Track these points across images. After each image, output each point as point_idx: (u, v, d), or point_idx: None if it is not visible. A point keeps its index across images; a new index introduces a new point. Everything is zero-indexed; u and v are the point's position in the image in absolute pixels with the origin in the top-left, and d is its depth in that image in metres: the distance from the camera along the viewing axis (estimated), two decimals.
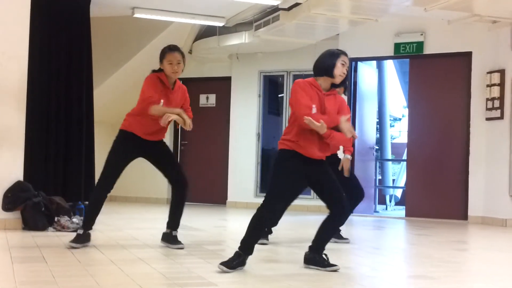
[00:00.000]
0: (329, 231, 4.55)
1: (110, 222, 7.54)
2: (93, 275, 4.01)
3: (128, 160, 5.29)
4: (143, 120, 5.16)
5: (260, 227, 4.45)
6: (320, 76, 4.41)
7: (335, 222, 4.50)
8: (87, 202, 7.21)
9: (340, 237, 6.13)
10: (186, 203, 5.42)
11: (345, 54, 4.43)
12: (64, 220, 6.48)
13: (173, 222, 5.41)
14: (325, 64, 4.38)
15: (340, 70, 4.35)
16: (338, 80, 4.38)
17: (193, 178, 12.02)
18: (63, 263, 4.48)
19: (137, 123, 5.21)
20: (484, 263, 5.40)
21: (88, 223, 5.30)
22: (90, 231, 5.31)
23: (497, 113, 8.71)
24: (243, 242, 4.35)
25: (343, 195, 4.40)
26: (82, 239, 5.20)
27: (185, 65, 5.28)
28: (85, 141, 7.89)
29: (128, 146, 5.25)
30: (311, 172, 4.39)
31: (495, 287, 4.16)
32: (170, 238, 5.37)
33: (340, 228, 5.96)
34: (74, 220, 6.49)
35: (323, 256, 4.46)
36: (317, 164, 4.40)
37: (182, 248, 5.26)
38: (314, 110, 4.26)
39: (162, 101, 5.07)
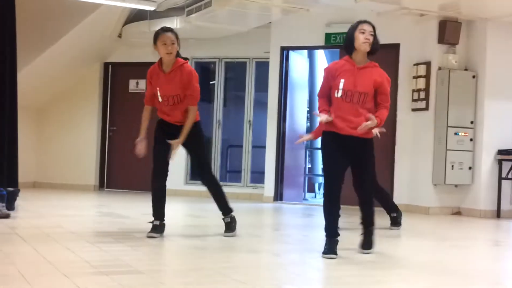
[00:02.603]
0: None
1: (33, 209, 7.32)
2: (15, 263, 3.87)
3: None
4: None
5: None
6: (349, 53, 4.58)
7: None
8: (9, 188, 6.99)
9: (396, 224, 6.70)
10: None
11: (363, 22, 4.59)
12: None
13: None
14: (347, 41, 4.55)
15: (360, 40, 4.52)
16: (363, 48, 4.56)
17: (122, 165, 11.83)
18: None
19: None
20: (408, 250, 5.55)
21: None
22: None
23: (422, 104, 8.96)
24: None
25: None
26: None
27: (179, 46, 5.44)
28: (7, 126, 7.58)
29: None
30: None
31: (418, 273, 4.28)
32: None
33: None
34: None
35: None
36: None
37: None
38: (339, 94, 4.45)
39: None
